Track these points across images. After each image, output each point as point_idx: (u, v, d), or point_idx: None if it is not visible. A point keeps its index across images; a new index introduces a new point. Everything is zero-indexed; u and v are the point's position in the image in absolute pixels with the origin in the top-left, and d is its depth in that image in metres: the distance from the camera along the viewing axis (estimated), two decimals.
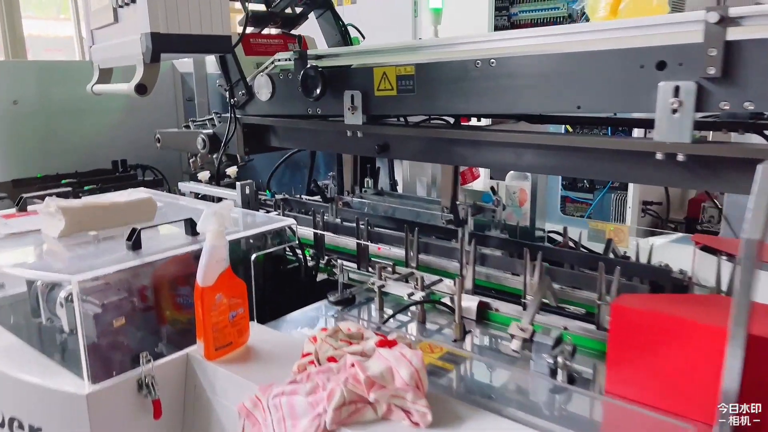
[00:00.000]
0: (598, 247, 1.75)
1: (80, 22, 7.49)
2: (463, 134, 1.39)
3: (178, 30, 1.21)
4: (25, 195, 1.55)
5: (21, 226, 1.42)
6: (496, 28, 3.73)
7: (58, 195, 1.60)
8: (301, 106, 1.64)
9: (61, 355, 1.30)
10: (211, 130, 1.88)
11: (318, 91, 1.51)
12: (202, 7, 1.24)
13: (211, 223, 1.17)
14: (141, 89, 1.26)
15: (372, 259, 1.75)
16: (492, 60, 1.26)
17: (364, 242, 1.70)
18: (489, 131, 1.37)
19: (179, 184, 2.02)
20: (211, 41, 1.27)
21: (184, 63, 3.28)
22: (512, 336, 1.25)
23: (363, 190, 2.09)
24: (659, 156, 1.07)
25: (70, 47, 8.08)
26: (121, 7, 1.31)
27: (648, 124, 1.63)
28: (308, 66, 1.53)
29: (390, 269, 1.61)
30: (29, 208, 1.59)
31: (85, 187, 2.28)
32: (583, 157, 1.20)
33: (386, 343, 1.09)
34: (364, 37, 2.28)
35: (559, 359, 1.16)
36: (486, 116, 1.52)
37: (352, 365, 1.04)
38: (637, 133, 2.58)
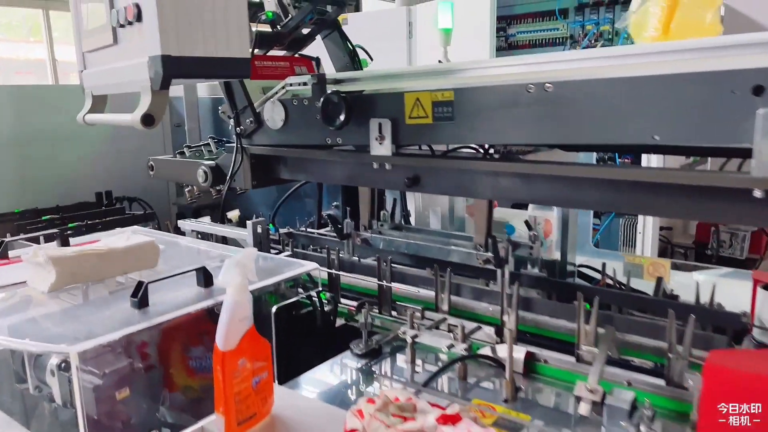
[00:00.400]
0: (635, 283, 1.61)
1: (53, 44, 7.24)
2: (509, 167, 1.24)
3: (192, 52, 1.05)
4: (6, 239, 1.36)
5: (3, 278, 1.23)
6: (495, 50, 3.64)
7: (45, 238, 1.42)
8: (318, 135, 1.48)
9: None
10: (213, 161, 1.70)
11: (341, 119, 1.36)
12: (218, 25, 1.08)
13: (234, 275, 0.99)
14: (148, 120, 1.09)
15: (396, 301, 1.58)
16: (547, 84, 1.12)
17: (387, 284, 1.54)
18: (539, 164, 1.22)
19: (179, 222, 1.84)
20: (228, 64, 1.11)
21: (173, 87, 3.11)
22: (579, 399, 1.09)
23: (379, 224, 1.93)
24: (758, 194, 0.93)
25: (42, 70, 7.83)
26: (122, 26, 1.14)
27: (685, 151, 1.51)
28: (329, 92, 1.37)
29: (419, 314, 1.45)
30: (11, 253, 1.40)
31: (70, 225, 2.08)
32: (659, 193, 1.06)
33: (449, 419, 0.92)
34: (372, 59, 2.14)
35: (642, 428, 1.00)
36: (535, 145, 1.38)
37: None
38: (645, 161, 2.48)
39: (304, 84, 1.47)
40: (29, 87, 3.05)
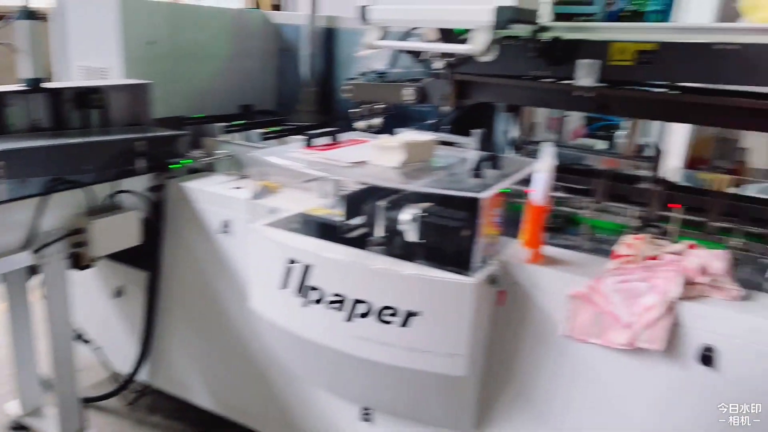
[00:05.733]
0: None
1: None
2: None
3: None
4: (309, 132, 1.84)
5: (344, 156, 1.71)
6: None
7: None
8: (524, 68, 2.01)
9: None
10: (418, 84, 2.18)
11: (560, 58, 1.89)
12: None
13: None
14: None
15: None
16: None
17: None
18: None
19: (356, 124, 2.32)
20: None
21: (279, 14, 3.46)
22: None
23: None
24: None
25: None
26: None
27: None
28: (550, 37, 1.90)
29: None
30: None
31: (272, 128, 2.51)
32: None
33: (693, 246, 1.54)
34: None
35: None
36: None
37: (675, 261, 1.49)
38: None
39: None
40: (182, 5, 3.23)
